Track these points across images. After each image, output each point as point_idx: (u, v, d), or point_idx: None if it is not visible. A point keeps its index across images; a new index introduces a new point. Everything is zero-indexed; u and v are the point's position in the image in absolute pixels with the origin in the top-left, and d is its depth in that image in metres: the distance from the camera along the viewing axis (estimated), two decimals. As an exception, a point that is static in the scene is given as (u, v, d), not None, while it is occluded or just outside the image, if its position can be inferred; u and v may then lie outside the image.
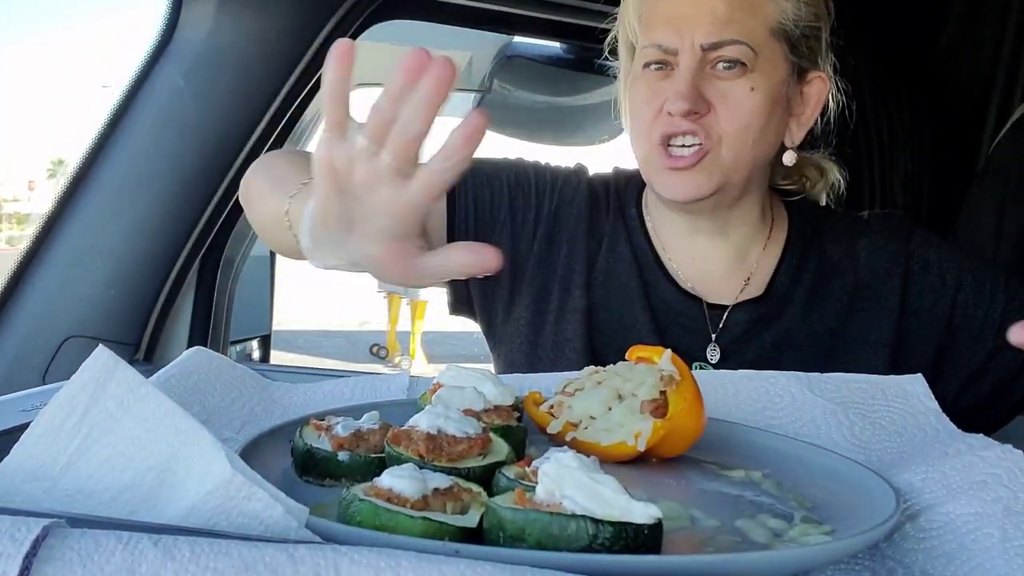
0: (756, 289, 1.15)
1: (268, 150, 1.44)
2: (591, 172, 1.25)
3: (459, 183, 1.03)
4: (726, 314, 1.14)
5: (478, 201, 1.17)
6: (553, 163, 1.25)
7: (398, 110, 0.61)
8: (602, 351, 1.13)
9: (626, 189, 1.23)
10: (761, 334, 1.12)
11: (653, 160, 1.07)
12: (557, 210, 1.19)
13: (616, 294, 1.16)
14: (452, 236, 1.15)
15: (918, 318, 1.13)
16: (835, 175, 1.24)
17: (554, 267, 1.17)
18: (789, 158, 1.14)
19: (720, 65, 1.03)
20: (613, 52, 1.20)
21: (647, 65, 1.07)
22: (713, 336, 1.13)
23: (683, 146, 1.04)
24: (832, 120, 1.16)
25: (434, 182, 0.64)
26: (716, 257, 1.17)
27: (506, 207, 1.18)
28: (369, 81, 2.12)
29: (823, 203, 1.26)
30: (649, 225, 1.20)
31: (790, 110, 1.10)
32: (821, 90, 1.11)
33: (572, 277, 1.16)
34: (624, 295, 1.15)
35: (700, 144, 1.03)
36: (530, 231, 1.18)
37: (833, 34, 1.12)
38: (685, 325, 1.14)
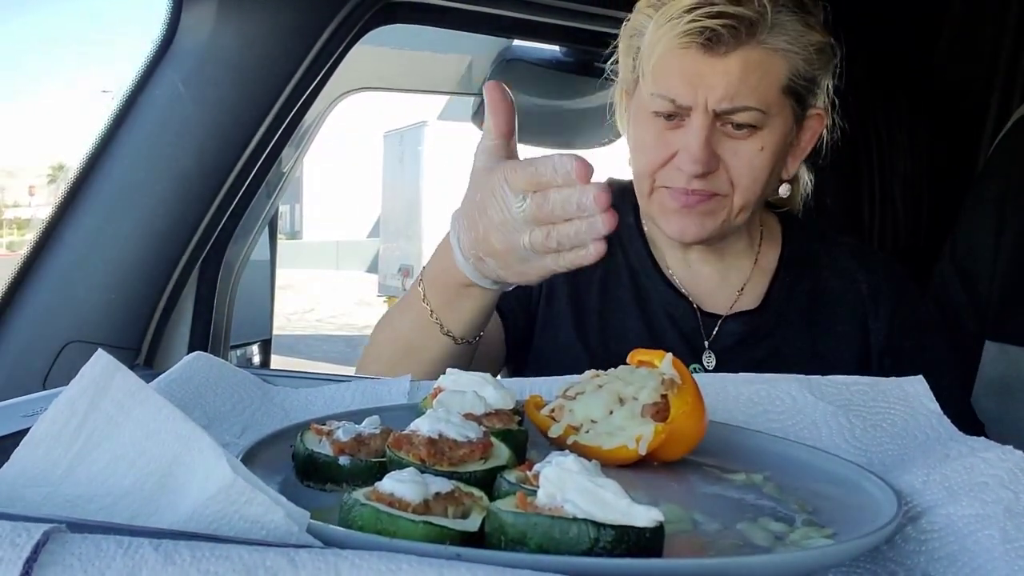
0: (751, 301, 1.17)
1: (267, 156, 1.44)
2: None
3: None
4: (719, 323, 1.14)
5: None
6: None
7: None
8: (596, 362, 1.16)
9: (622, 201, 1.24)
10: (753, 347, 1.14)
11: (658, 201, 1.08)
12: None
13: (609, 303, 1.17)
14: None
15: (892, 358, 1.16)
16: (804, 177, 1.25)
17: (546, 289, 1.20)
18: (784, 190, 1.16)
19: (731, 126, 1.03)
20: (609, 58, 1.21)
21: (656, 114, 1.06)
22: (706, 344, 1.14)
23: (693, 192, 1.05)
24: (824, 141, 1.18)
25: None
26: (709, 268, 1.20)
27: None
28: (368, 85, 2.13)
29: (796, 207, 1.27)
30: (648, 235, 1.21)
31: (788, 149, 1.11)
32: (817, 127, 1.12)
33: (554, 290, 1.19)
34: (618, 304, 1.17)
35: (711, 194, 1.05)
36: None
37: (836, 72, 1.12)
38: (680, 332, 1.15)
